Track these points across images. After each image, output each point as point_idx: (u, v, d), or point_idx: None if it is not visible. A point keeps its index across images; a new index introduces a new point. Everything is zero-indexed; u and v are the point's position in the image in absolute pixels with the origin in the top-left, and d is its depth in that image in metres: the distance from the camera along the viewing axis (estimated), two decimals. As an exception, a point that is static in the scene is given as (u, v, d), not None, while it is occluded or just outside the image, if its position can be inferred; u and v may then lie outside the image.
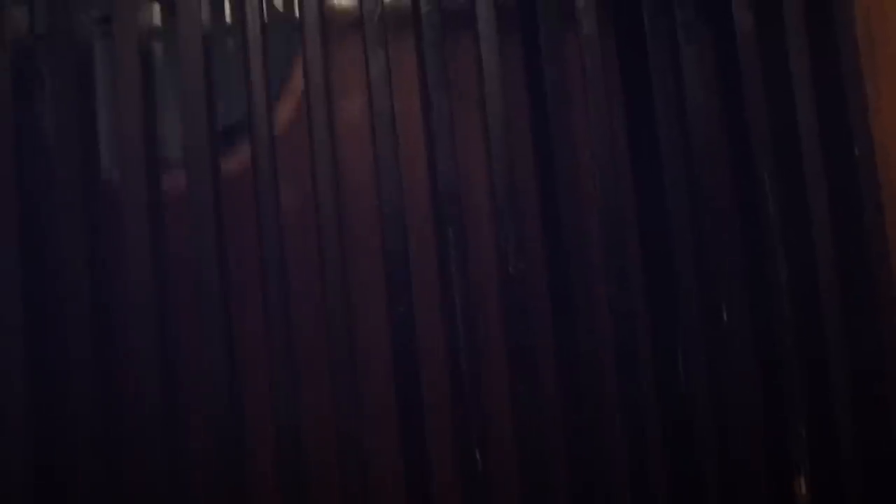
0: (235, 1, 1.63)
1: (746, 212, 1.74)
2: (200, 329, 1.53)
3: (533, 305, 1.66)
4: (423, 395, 1.60)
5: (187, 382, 1.54)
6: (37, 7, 1.54)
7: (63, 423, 1.48)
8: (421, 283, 1.64)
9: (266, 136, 1.58)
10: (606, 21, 1.73)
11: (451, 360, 1.64)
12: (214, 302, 1.53)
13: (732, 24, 1.74)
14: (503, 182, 1.66)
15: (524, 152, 1.71)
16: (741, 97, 1.74)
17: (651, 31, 1.73)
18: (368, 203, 1.64)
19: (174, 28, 1.57)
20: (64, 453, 1.48)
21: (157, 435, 1.48)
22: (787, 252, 1.73)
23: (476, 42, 1.67)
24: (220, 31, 1.66)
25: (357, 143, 1.66)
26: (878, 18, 1.77)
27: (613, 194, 1.69)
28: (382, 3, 1.64)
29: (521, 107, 1.72)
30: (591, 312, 1.67)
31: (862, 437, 1.69)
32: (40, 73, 1.54)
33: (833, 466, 1.69)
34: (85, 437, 1.47)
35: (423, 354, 1.61)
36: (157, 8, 1.63)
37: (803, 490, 1.71)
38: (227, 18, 1.67)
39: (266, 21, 1.59)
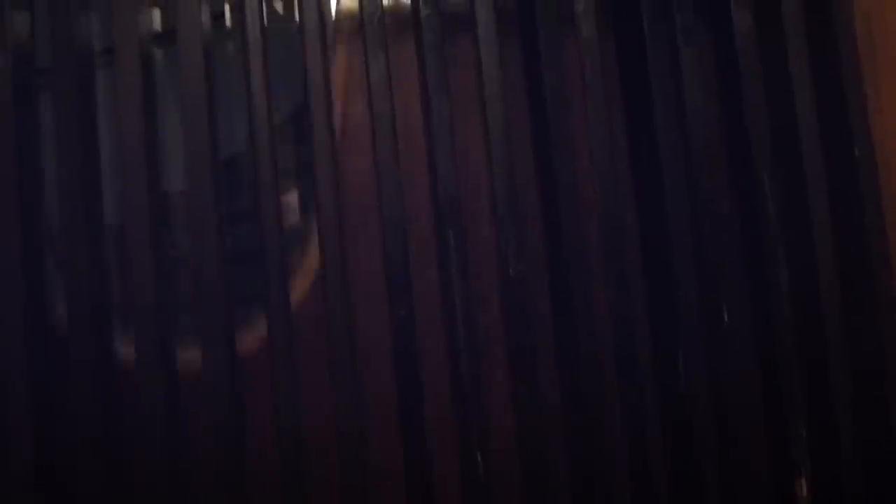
0: (235, 4, 1.63)
1: (746, 213, 1.75)
2: (202, 330, 1.53)
3: (533, 307, 1.66)
4: (424, 396, 1.60)
5: (188, 383, 1.54)
6: (37, 11, 1.55)
7: (64, 423, 1.48)
8: (421, 286, 1.65)
9: (267, 140, 1.59)
10: (606, 25, 1.74)
11: (452, 361, 1.65)
12: (216, 302, 1.53)
13: (731, 26, 1.74)
14: (503, 185, 1.67)
15: (524, 155, 1.72)
16: (741, 100, 1.74)
17: (650, 35, 1.74)
18: (369, 205, 1.65)
19: (174, 32, 1.58)
20: (65, 454, 1.48)
21: (158, 435, 1.48)
22: (787, 253, 1.73)
23: (476, 46, 1.68)
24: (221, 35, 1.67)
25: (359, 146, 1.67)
26: (878, 19, 1.77)
27: (613, 196, 1.70)
28: (382, 6, 1.65)
29: (520, 110, 1.72)
30: (592, 314, 1.67)
31: (862, 438, 1.69)
32: (41, 78, 1.55)
33: (833, 467, 1.69)
34: (86, 437, 1.47)
35: (423, 356, 1.61)
36: (156, 13, 1.64)
37: (804, 491, 1.70)
38: (227, 22, 1.68)
39: (266, 24, 1.60)
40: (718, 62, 1.77)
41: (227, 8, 1.70)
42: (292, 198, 1.71)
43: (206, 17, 1.60)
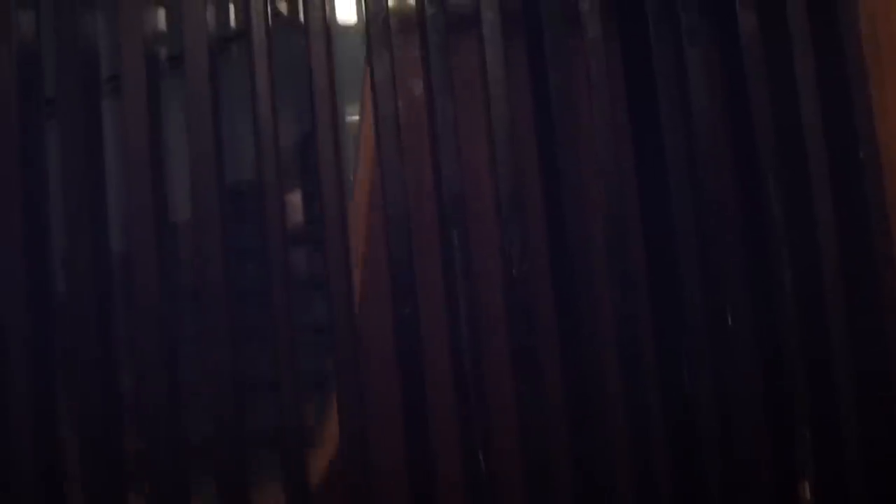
0: (241, 5, 1.63)
1: (751, 214, 1.74)
2: (205, 330, 1.53)
3: (537, 307, 1.66)
4: (427, 396, 1.60)
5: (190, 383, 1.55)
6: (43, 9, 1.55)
7: (66, 423, 1.49)
8: (425, 285, 1.65)
9: (272, 145, 1.59)
10: (611, 25, 1.73)
11: (455, 361, 1.65)
12: (219, 303, 1.54)
13: (736, 27, 1.74)
14: (508, 185, 1.67)
15: (529, 156, 1.72)
16: (746, 100, 1.74)
17: (655, 35, 1.74)
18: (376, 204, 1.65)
19: (179, 32, 1.58)
20: (66, 453, 1.48)
21: (160, 435, 1.49)
22: (791, 254, 1.73)
23: (481, 46, 1.68)
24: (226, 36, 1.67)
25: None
26: (883, 20, 1.76)
27: (618, 197, 1.70)
28: (387, 6, 1.65)
29: (525, 111, 1.72)
30: (595, 314, 1.67)
31: (866, 439, 1.68)
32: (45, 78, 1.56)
33: (837, 468, 1.68)
34: (86, 437, 1.47)
35: (427, 355, 1.61)
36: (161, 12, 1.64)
37: (808, 493, 1.70)
38: (232, 23, 1.69)
39: (271, 25, 1.60)
40: (723, 63, 1.77)
41: (232, 9, 1.70)
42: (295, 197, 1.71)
43: (211, 16, 1.60)
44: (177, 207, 1.59)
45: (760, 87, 1.74)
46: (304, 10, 1.61)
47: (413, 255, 1.63)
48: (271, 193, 1.58)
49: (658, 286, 1.72)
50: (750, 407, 1.69)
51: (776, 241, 1.73)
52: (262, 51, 1.59)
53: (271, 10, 1.59)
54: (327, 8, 1.62)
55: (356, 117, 1.70)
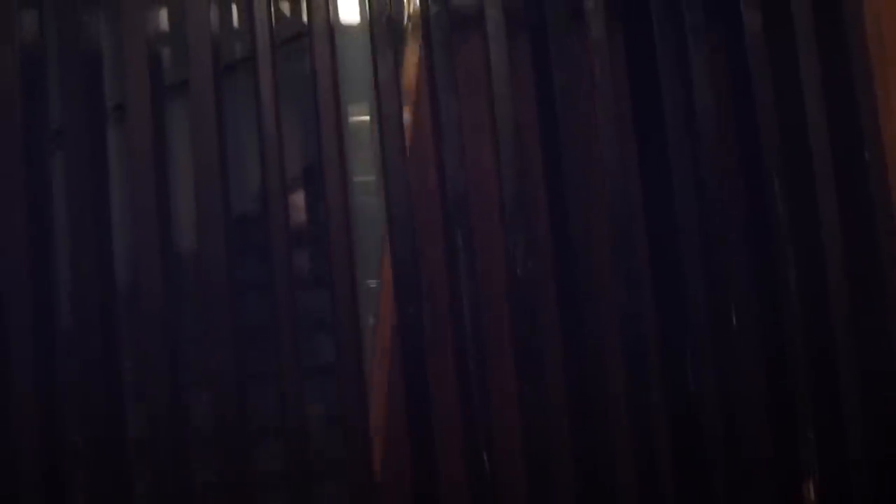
0: (244, 6, 1.62)
1: (755, 213, 1.74)
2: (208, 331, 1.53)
3: (541, 307, 1.66)
4: (431, 396, 1.60)
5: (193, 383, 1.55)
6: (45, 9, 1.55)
7: (69, 423, 1.49)
8: (429, 285, 1.65)
9: (275, 145, 1.58)
10: (615, 24, 1.73)
11: (459, 360, 1.64)
12: (222, 304, 1.53)
13: (741, 26, 1.73)
14: (512, 185, 1.66)
15: (533, 155, 1.71)
16: (750, 99, 1.73)
17: (659, 34, 1.73)
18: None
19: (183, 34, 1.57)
20: (69, 454, 1.48)
21: (162, 435, 1.49)
22: (796, 253, 1.73)
23: (485, 45, 1.67)
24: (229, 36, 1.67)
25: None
26: (889, 20, 1.75)
27: (622, 196, 1.70)
28: (391, 5, 1.64)
29: (529, 109, 1.72)
30: (600, 314, 1.67)
31: (870, 440, 1.68)
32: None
33: (842, 469, 1.69)
34: (89, 437, 1.48)
35: (430, 355, 1.62)
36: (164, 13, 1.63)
37: (812, 493, 1.70)
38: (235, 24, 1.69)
39: (274, 26, 1.59)
40: (728, 62, 1.76)
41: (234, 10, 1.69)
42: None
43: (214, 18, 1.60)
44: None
45: (765, 86, 1.73)
46: (307, 11, 1.61)
47: (417, 254, 1.63)
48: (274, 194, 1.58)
49: (662, 285, 1.72)
50: (754, 406, 1.69)
51: (780, 241, 1.73)
52: (266, 55, 1.58)
53: (274, 11, 1.59)
54: (330, 9, 1.61)
55: (359, 118, 1.70)
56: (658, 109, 1.72)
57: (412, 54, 1.71)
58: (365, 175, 1.67)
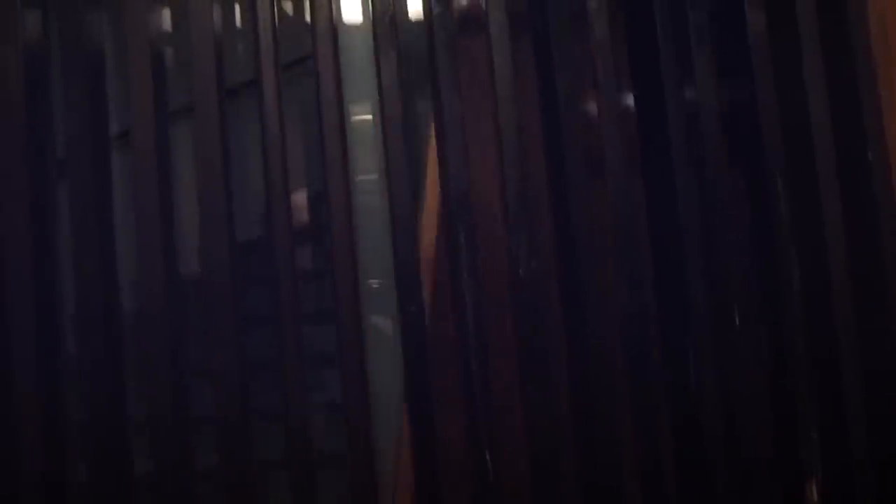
0: (246, 4, 1.62)
1: (759, 213, 1.74)
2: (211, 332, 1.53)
3: (544, 307, 1.66)
4: (434, 396, 1.60)
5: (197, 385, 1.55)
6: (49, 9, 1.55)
7: (72, 425, 1.49)
8: (432, 285, 1.65)
9: (278, 145, 1.58)
10: (618, 24, 1.73)
11: (462, 360, 1.65)
12: (226, 305, 1.54)
13: (745, 26, 1.73)
14: (515, 185, 1.66)
15: (536, 156, 1.71)
16: (754, 100, 1.73)
17: (663, 35, 1.73)
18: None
19: (186, 31, 1.57)
20: (72, 455, 1.49)
21: (166, 436, 1.49)
22: (799, 254, 1.72)
23: (488, 46, 1.67)
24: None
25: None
26: (893, 20, 1.75)
27: (625, 196, 1.69)
28: (393, 5, 1.64)
29: (533, 110, 1.71)
30: (603, 314, 1.67)
31: (874, 440, 1.68)
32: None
33: (845, 470, 1.68)
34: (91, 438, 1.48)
35: (433, 354, 1.62)
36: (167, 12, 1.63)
37: (815, 494, 1.70)
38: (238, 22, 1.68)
39: (277, 25, 1.59)
40: (731, 62, 1.76)
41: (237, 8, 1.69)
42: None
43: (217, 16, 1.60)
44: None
45: (768, 86, 1.73)
46: (310, 10, 1.61)
47: (419, 254, 1.63)
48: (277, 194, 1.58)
49: (665, 285, 1.72)
50: (757, 406, 1.69)
51: (783, 241, 1.73)
52: (269, 54, 1.58)
53: (277, 12, 1.59)
54: (333, 8, 1.61)
55: (362, 117, 1.69)
56: (661, 110, 1.72)
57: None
58: (367, 174, 1.67)
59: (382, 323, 1.65)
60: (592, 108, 1.70)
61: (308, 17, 1.62)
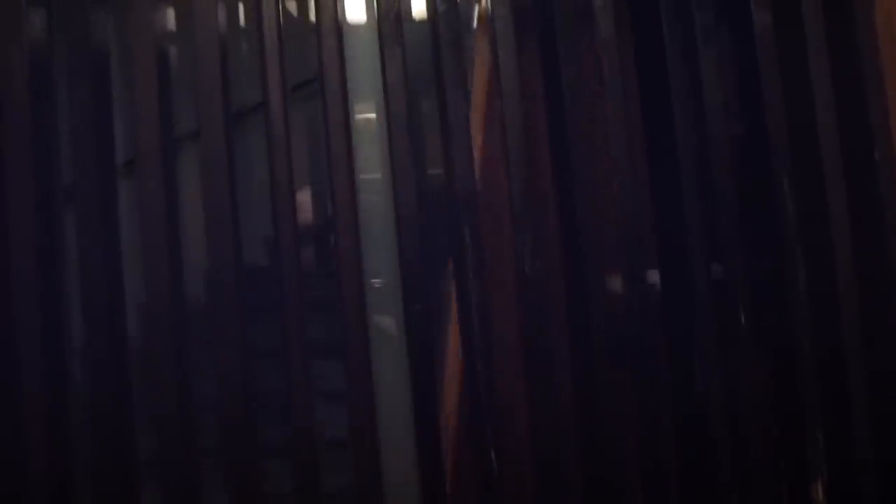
0: (251, 5, 1.62)
1: (764, 213, 1.74)
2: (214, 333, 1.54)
3: (549, 306, 1.66)
4: (438, 395, 1.60)
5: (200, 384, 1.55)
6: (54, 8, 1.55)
7: (76, 423, 1.49)
8: (437, 283, 1.65)
9: (283, 144, 1.58)
10: (624, 23, 1.72)
11: (467, 359, 1.64)
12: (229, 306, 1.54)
13: (751, 25, 1.73)
14: (520, 183, 1.66)
15: (541, 154, 1.71)
16: (760, 99, 1.73)
17: (669, 34, 1.73)
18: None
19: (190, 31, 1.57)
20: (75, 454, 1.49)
21: (172, 435, 1.49)
22: (805, 253, 1.72)
23: (493, 43, 1.67)
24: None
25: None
26: (900, 18, 1.75)
27: (631, 195, 1.69)
28: (398, 3, 1.64)
29: (538, 108, 1.71)
30: (608, 314, 1.66)
31: (879, 441, 1.68)
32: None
33: (850, 470, 1.68)
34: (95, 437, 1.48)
35: (437, 353, 1.62)
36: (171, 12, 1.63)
37: (820, 494, 1.70)
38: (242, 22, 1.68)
39: (282, 25, 1.59)
40: (737, 61, 1.76)
41: (241, 9, 1.69)
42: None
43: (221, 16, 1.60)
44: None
45: (774, 85, 1.73)
46: (315, 9, 1.60)
47: (424, 252, 1.63)
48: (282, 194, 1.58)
49: (670, 284, 1.71)
50: (762, 407, 1.69)
51: (790, 241, 1.73)
52: (274, 54, 1.58)
53: (282, 10, 1.59)
54: (338, 7, 1.61)
55: (367, 115, 1.69)
56: (667, 108, 1.72)
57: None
58: (371, 173, 1.66)
59: (385, 322, 1.64)
60: (598, 105, 1.69)
61: (313, 17, 1.62)
